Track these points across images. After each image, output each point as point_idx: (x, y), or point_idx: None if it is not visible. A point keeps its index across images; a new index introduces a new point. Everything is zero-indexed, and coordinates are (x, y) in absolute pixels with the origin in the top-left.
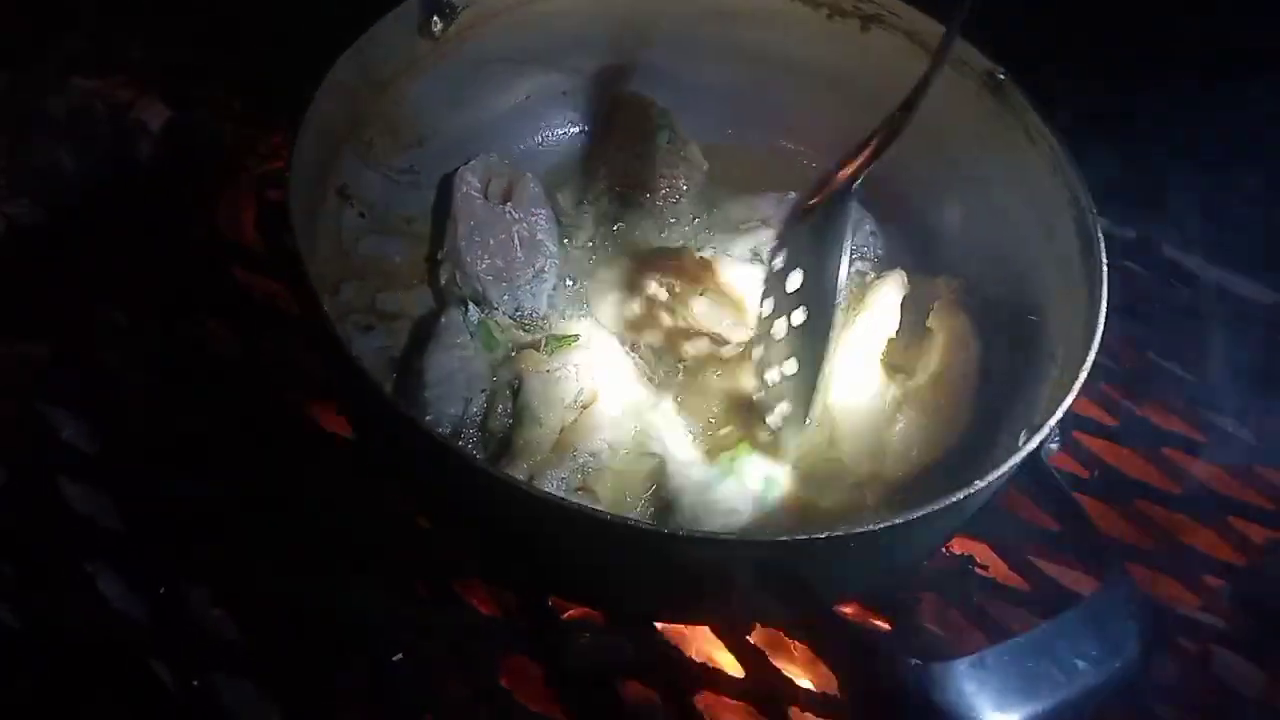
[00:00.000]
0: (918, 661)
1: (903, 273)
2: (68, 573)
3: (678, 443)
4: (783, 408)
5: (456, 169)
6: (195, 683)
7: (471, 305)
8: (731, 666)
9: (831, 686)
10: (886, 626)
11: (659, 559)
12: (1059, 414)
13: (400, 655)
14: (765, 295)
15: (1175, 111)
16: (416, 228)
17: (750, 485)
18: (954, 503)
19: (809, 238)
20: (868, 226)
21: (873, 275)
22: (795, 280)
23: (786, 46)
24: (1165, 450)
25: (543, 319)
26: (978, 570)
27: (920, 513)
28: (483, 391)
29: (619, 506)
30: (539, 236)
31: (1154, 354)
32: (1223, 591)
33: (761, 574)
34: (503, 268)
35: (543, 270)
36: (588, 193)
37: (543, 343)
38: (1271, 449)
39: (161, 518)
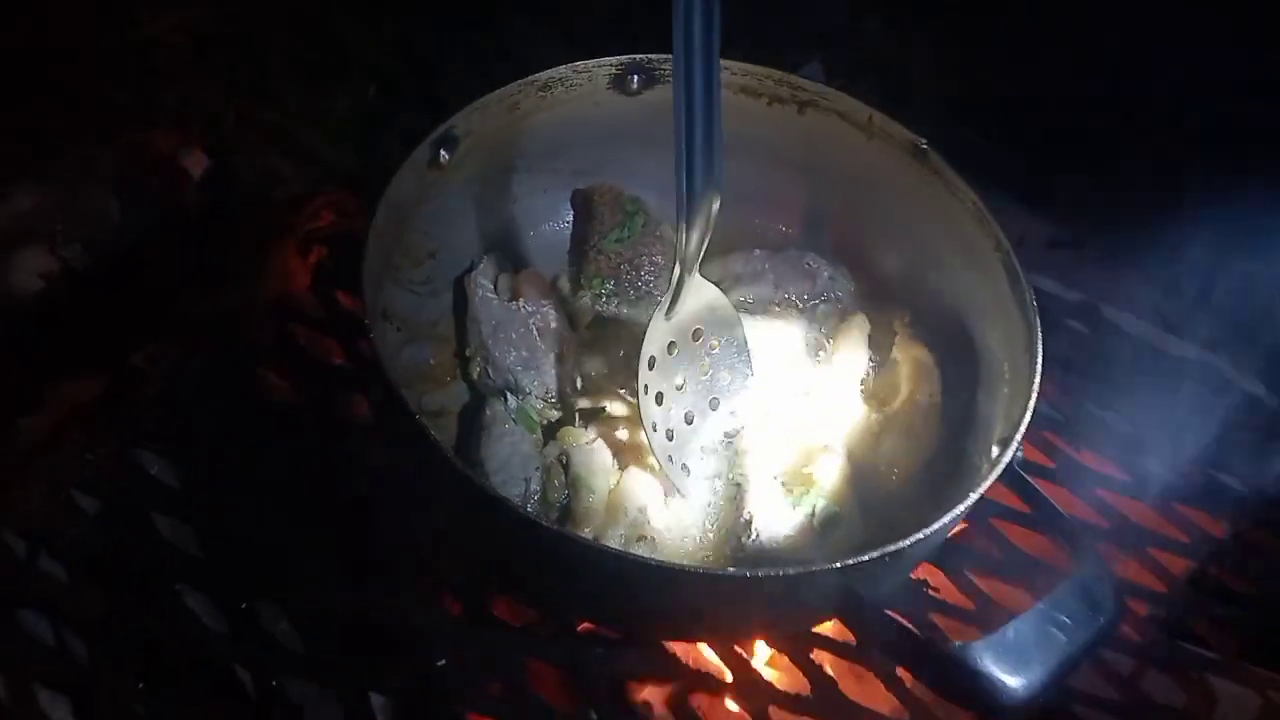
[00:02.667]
0: (959, 643)
1: (863, 315)
2: (160, 592)
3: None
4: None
5: (466, 273)
6: (273, 683)
7: (508, 394)
8: (719, 672)
9: (799, 686)
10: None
11: (718, 594)
12: (1022, 429)
13: (444, 661)
14: None
15: (1112, 195)
16: (441, 330)
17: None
18: (959, 512)
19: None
20: (826, 273)
21: (836, 319)
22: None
23: (735, 129)
24: (1098, 490)
25: (570, 396)
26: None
27: (941, 523)
28: (536, 470)
29: (679, 546)
30: (552, 324)
31: (1090, 404)
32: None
33: (823, 591)
34: (528, 357)
35: (562, 353)
36: (582, 276)
37: (575, 418)
38: (1190, 488)
39: (236, 545)
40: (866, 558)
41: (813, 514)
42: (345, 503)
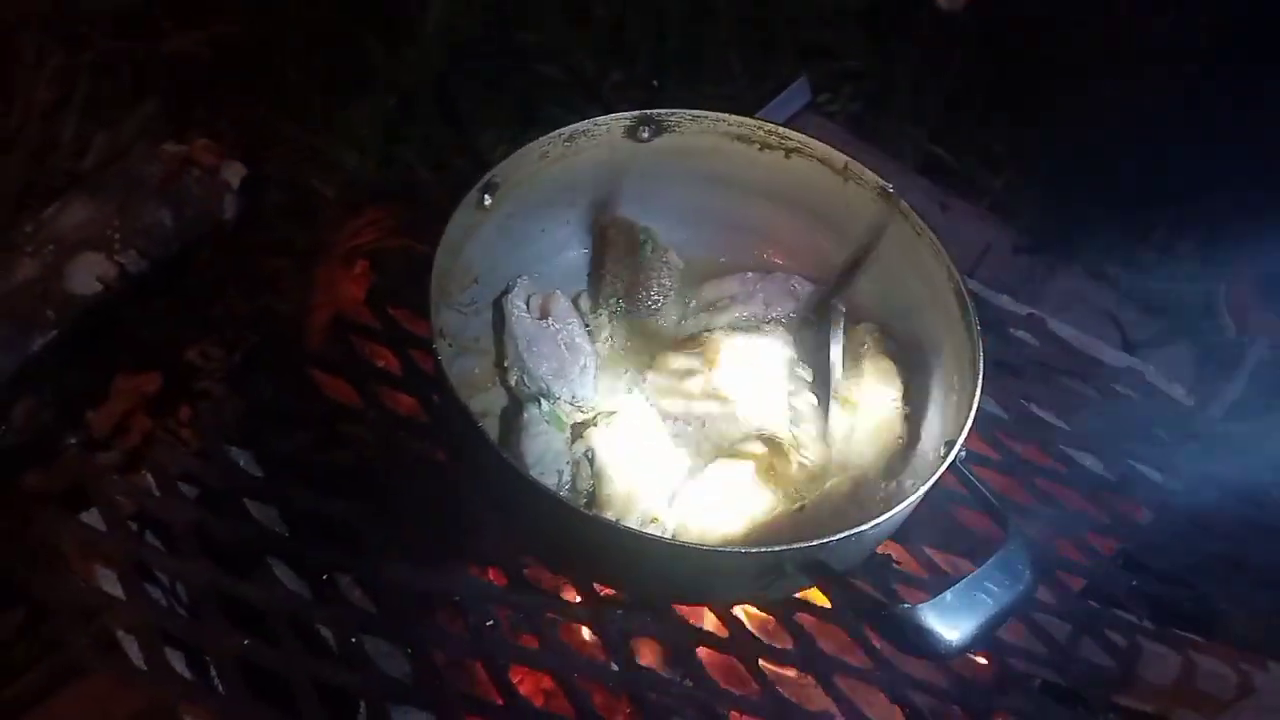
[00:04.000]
0: (907, 605)
1: (839, 331)
2: (254, 564)
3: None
4: (806, 448)
5: (503, 295)
6: (352, 639)
7: (541, 400)
8: (719, 629)
9: (784, 642)
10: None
11: (711, 565)
12: (965, 432)
13: (491, 621)
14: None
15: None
16: (482, 344)
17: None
18: (910, 502)
19: (812, 341)
20: (808, 292)
21: (814, 332)
22: (808, 374)
23: (731, 171)
24: (1037, 480)
25: (593, 401)
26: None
27: (895, 510)
28: (567, 464)
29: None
30: (577, 340)
31: (1034, 406)
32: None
33: (802, 564)
34: (557, 368)
35: (585, 365)
36: (599, 298)
37: (595, 419)
38: (1116, 478)
39: (314, 524)
40: (834, 538)
41: (796, 501)
42: (405, 490)
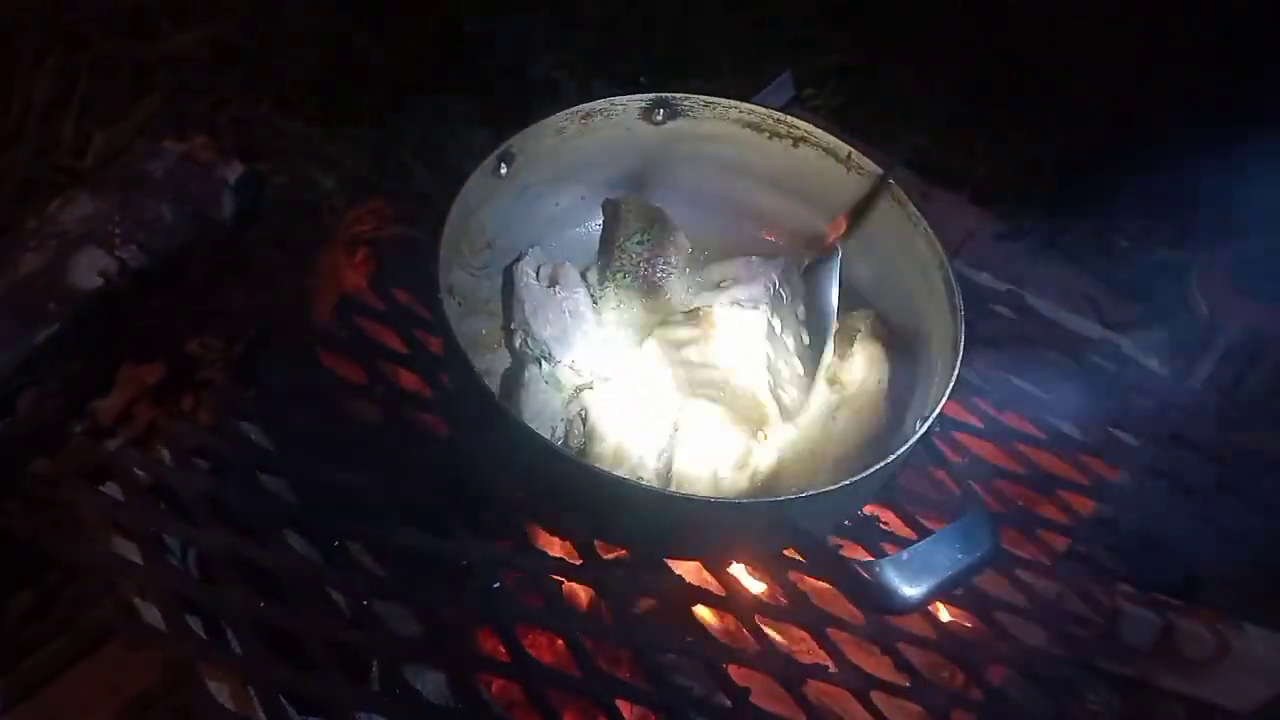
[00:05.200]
0: (867, 560)
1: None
2: (267, 532)
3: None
4: (792, 392)
5: (515, 262)
6: (364, 603)
7: (542, 361)
8: (716, 589)
9: (779, 599)
10: None
11: (695, 516)
12: (939, 407)
13: (498, 584)
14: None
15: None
16: (492, 307)
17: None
18: (881, 468)
19: (809, 284)
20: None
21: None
22: (802, 312)
23: (741, 158)
24: (1017, 444)
25: (592, 366)
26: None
27: (864, 474)
28: (562, 420)
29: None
30: (581, 308)
31: (1013, 377)
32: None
33: (770, 519)
34: (560, 333)
35: (587, 332)
36: (607, 272)
37: (593, 383)
38: (1093, 442)
39: (324, 495)
40: (801, 494)
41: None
42: (411, 461)
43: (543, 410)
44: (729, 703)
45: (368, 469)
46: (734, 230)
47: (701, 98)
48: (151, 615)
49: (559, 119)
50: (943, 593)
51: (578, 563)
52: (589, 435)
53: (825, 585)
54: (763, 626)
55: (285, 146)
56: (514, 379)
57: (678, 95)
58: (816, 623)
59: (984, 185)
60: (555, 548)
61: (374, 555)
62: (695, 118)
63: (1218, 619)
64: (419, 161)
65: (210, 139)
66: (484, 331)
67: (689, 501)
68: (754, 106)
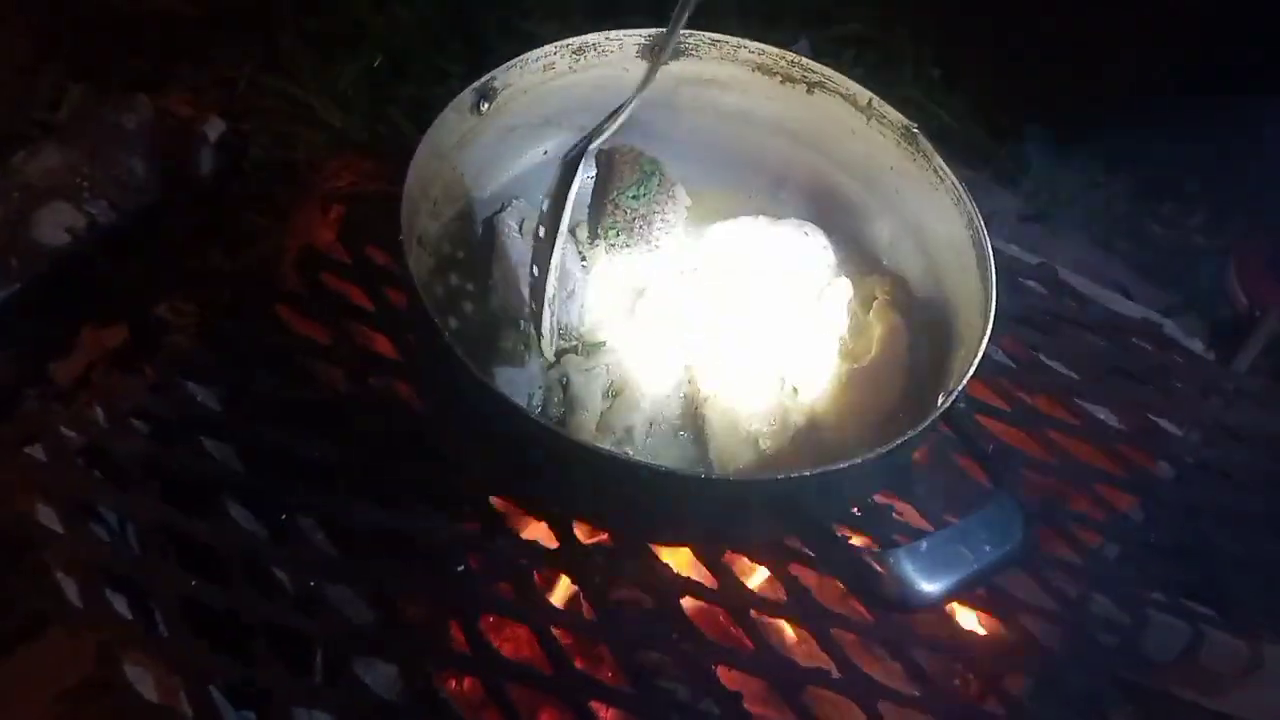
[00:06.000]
0: (880, 550)
1: (848, 281)
2: (207, 503)
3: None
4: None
5: (496, 214)
6: (310, 584)
7: (521, 322)
8: (707, 580)
9: (777, 593)
10: None
11: (687, 496)
12: (965, 380)
13: (461, 567)
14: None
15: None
16: (466, 260)
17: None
18: (896, 446)
19: (559, 177)
20: (821, 241)
21: (825, 283)
22: (545, 204)
23: (749, 104)
24: (1049, 431)
25: (577, 329)
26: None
27: (871, 455)
28: (540, 388)
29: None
30: (567, 265)
31: (1043, 355)
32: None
33: (770, 499)
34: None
35: (573, 291)
36: (598, 229)
37: (579, 348)
38: (1130, 431)
39: (275, 463)
40: (803, 473)
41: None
42: (374, 429)
43: (518, 375)
44: (717, 709)
45: (324, 436)
46: (741, 185)
47: (708, 34)
48: (70, 590)
49: (546, 53)
50: (964, 590)
51: (553, 546)
52: (569, 405)
53: (830, 580)
54: (758, 624)
55: (272, 106)
56: (488, 341)
57: (681, 31)
58: (819, 621)
59: (1007, 165)
60: (529, 529)
61: (326, 532)
62: (701, 58)
63: (1253, 629)
64: (410, 122)
65: (190, 95)
66: (458, 287)
67: (673, 477)
68: (765, 47)
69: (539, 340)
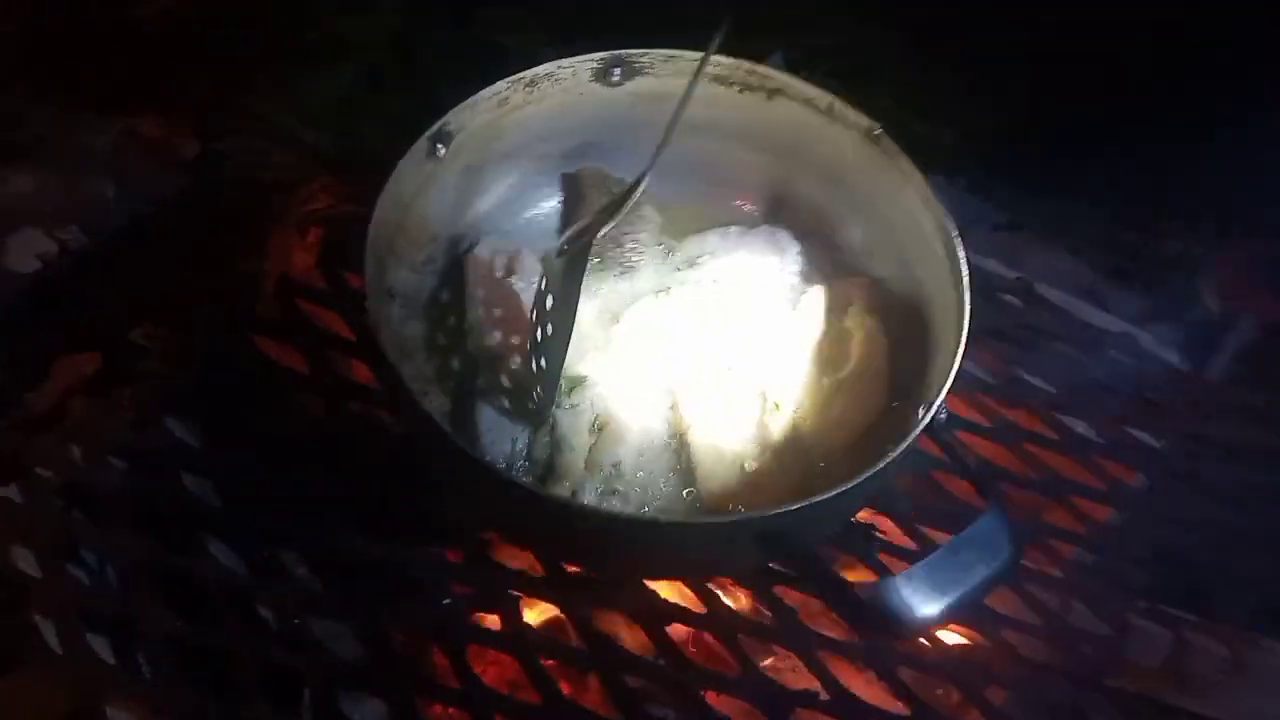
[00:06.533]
0: (878, 580)
1: (821, 288)
2: (187, 540)
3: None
4: (538, 390)
5: (465, 252)
6: (295, 620)
7: (498, 364)
8: (695, 606)
9: (764, 618)
10: None
11: (673, 541)
12: (944, 393)
13: (448, 600)
14: (533, 306)
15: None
16: (441, 304)
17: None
18: (877, 471)
19: (561, 272)
20: (793, 249)
21: (799, 291)
22: (549, 302)
23: (710, 116)
24: (1027, 445)
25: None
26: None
27: (859, 479)
28: (523, 430)
29: (648, 493)
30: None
31: (1022, 370)
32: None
33: (764, 537)
34: (520, 330)
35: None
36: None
37: (561, 385)
38: (1110, 444)
39: (255, 498)
40: (791, 507)
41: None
42: (353, 460)
43: (501, 419)
44: None
45: (306, 468)
46: (708, 198)
47: (662, 52)
48: (50, 636)
49: (499, 90)
50: (961, 610)
51: (539, 575)
52: (555, 445)
53: (815, 600)
54: (745, 647)
55: (243, 125)
56: (467, 387)
57: (634, 52)
58: (805, 643)
59: (981, 175)
60: (515, 559)
61: (309, 566)
62: (656, 75)
63: (1234, 633)
64: (386, 137)
65: (160, 115)
66: (434, 333)
67: (665, 527)
68: (722, 59)
69: (529, 408)
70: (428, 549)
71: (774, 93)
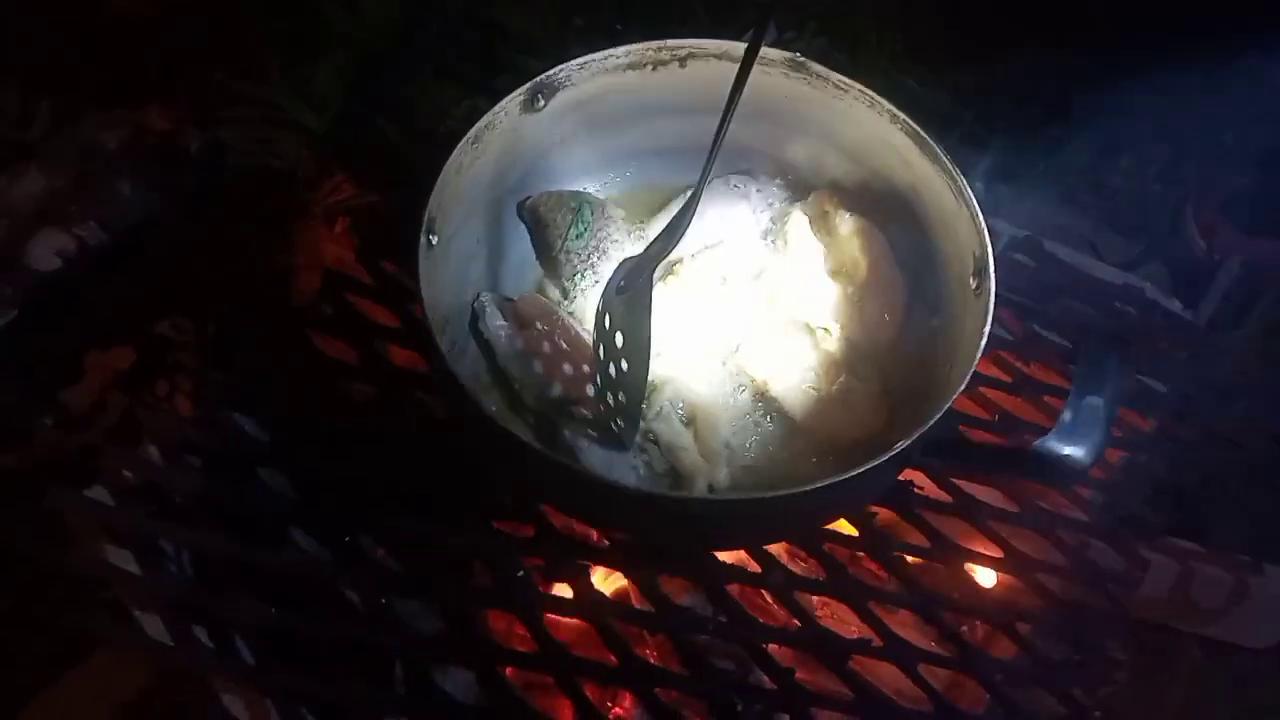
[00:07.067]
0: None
1: (798, 209)
2: (271, 532)
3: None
4: (618, 422)
5: (474, 322)
6: (381, 600)
7: (571, 409)
8: (750, 565)
9: (816, 572)
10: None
11: (747, 515)
12: (990, 260)
13: (521, 572)
14: (597, 344)
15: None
16: (484, 380)
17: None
18: (928, 429)
19: (625, 308)
20: (754, 187)
21: (779, 223)
22: (618, 339)
23: (634, 102)
24: (1044, 397)
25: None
26: None
27: (910, 440)
28: (636, 458)
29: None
30: (573, 332)
31: (1036, 325)
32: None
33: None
34: (571, 371)
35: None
36: (564, 280)
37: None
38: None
39: (328, 487)
40: (854, 472)
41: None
42: (416, 445)
43: (611, 461)
44: (774, 684)
45: (371, 456)
46: (658, 175)
47: (575, 62)
48: (154, 627)
49: (455, 161)
50: (1107, 440)
51: (603, 545)
52: (669, 452)
53: (863, 555)
54: (801, 602)
55: (245, 112)
56: (549, 443)
57: (550, 72)
58: (857, 596)
59: (973, 128)
60: (577, 530)
61: (387, 549)
62: (576, 85)
63: (1236, 561)
64: (388, 120)
65: (165, 107)
66: (494, 408)
67: (746, 502)
68: (629, 46)
69: (614, 435)
70: (494, 528)
71: (685, 59)
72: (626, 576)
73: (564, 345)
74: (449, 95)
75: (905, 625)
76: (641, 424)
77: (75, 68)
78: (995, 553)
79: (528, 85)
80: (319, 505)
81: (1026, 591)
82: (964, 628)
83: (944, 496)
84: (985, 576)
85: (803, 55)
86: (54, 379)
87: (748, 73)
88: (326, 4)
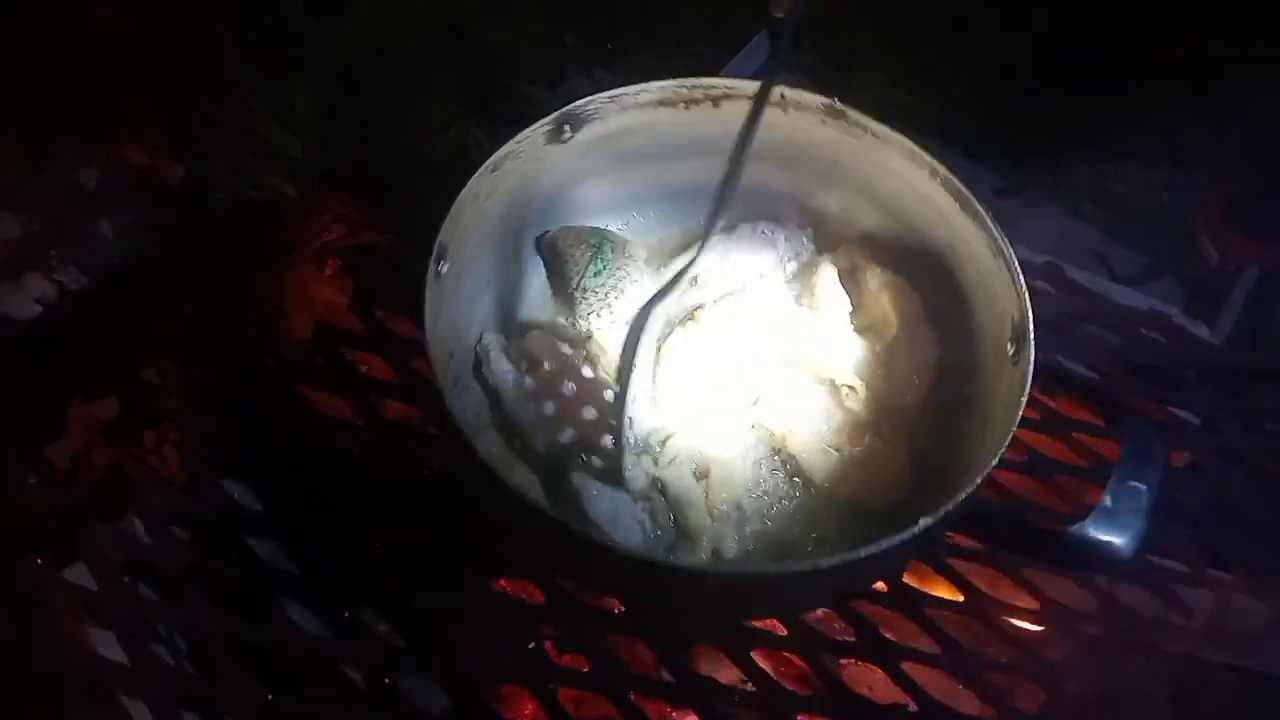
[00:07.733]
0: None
1: (828, 260)
2: (265, 606)
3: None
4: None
5: (478, 366)
6: (385, 680)
7: (582, 455)
8: (775, 628)
9: (844, 634)
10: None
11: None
12: (1029, 321)
13: (533, 644)
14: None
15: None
16: (485, 421)
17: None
18: (967, 494)
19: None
20: (782, 235)
21: (807, 273)
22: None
23: (665, 139)
24: (1073, 433)
25: (637, 430)
26: None
27: (949, 506)
28: (642, 511)
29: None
30: (584, 372)
31: (1060, 357)
32: None
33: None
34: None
35: (610, 395)
36: (578, 320)
37: (649, 447)
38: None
39: (323, 556)
40: (893, 539)
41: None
42: (418, 508)
43: (618, 512)
44: None
45: (369, 521)
46: (684, 214)
47: (606, 94)
48: (142, 716)
49: (472, 189)
50: (1147, 528)
51: (623, 614)
52: (675, 507)
53: (890, 612)
54: (831, 666)
55: (225, 143)
56: (560, 492)
57: (579, 103)
58: (890, 657)
59: (974, 141)
60: (590, 597)
61: (389, 622)
62: (604, 118)
63: (1272, 591)
64: (375, 147)
65: (144, 141)
66: (495, 450)
67: (757, 575)
68: (663, 84)
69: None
70: (503, 594)
71: (719, 99)
72: (646, 646)
73: (574, 386)
74: (435, 117)
75: (938, 683)
76: (652, 471)
77: (48, 104)
78: (1030, 604)
79: (554, 115)
80: (315, 574)
81: (1063, 641)
82: (1002, 684)
83: (972, 543)
84: (1020, 627)
85: (792, 75)
86: (37, 432)
87: (763, 104)
88: (305, 21)
